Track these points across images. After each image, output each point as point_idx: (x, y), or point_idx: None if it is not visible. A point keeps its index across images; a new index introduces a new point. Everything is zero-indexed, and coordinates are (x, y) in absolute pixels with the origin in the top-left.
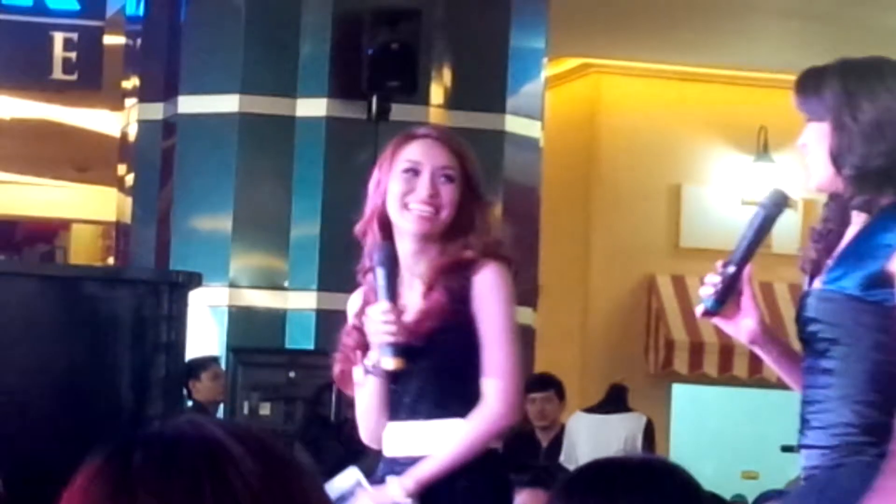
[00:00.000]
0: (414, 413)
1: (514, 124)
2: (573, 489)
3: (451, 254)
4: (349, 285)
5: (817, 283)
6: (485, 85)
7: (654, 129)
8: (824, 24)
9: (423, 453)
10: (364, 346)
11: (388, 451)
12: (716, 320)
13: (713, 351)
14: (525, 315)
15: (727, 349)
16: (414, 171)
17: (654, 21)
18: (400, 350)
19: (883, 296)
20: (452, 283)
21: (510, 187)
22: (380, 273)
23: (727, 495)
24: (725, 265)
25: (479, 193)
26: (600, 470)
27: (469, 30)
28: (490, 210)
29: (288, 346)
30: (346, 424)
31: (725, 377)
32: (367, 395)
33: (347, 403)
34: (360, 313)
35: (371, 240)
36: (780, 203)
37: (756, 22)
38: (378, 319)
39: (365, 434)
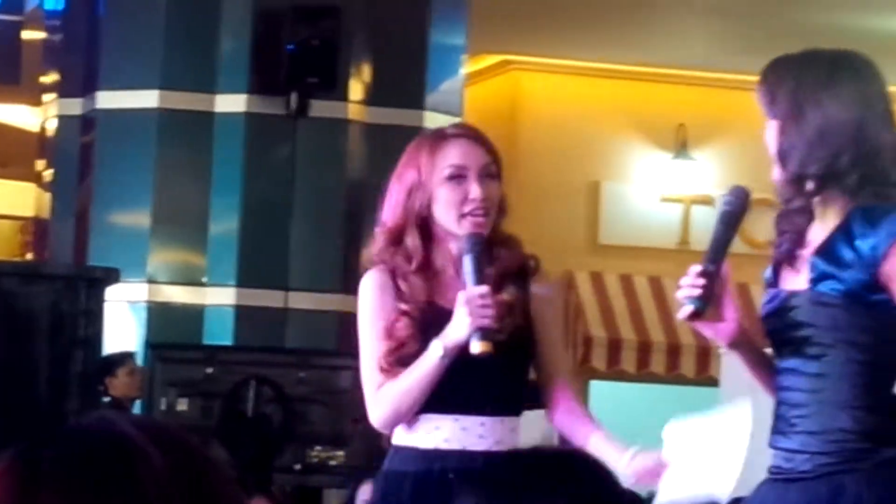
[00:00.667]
0: (482, 407)
1: (433, 121)
2: (488, 478)
3: (518, 260)
4: (267, 281)
5: (802, 283)
6: (404, 81)
7: (574, 126)
8: (744, 21)
9: (494, 448)
10: (417, 331)
11: (451, 444)
12: (697, 323)
13: (631, 347)
14: None
15: (645, 346)
16: (460, 177)
17: (574, 18)
18: (490, 335)
19: (880, 302)
20: (519, 286)
21: None
22: (468, 260)
23: (643, 491)
24: (704, 266)
25: (502, 185)
26: (515, 461)
27: (389, 26)
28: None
29: (206, 341)
30: (264, 420)
31: (643, 373)
32: (426, 378)
33: (265, 399)
34: (402, 299)
35: (412, 242)
36: (743, 199)
37: (676, 19)
38: (477, 302)
39: (395, 418)
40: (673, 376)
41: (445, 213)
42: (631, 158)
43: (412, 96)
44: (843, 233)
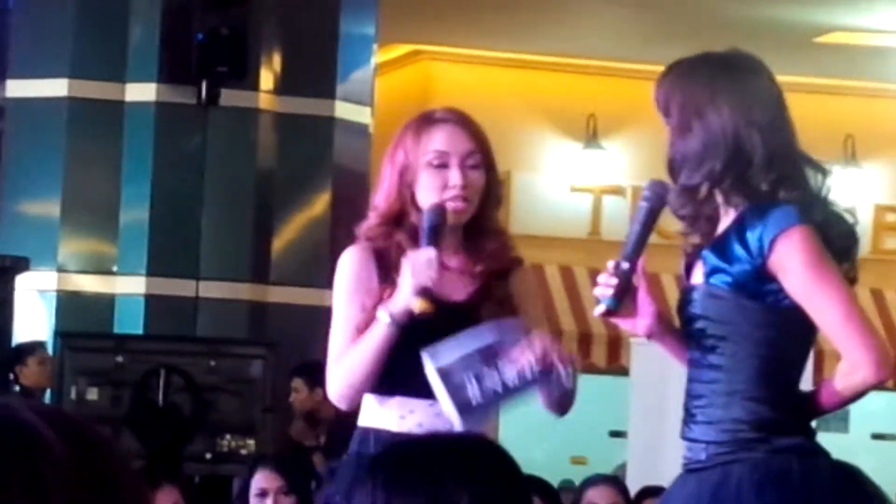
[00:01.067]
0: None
1: (343, 110)
2: (386, 466)
3: (502, 251)
4: (178, 270)
5: (699, 277)
6: (315, 71)
7: (484, 115)
8: (655, 11)
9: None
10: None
11: (424, 429)
12: (614, 318)
13: (571, 339)
14: None
15: (555, 334)
16: (443, 164)
17: (485, 8)
18: (430, 295)
19: (770, 292)
20: (504, 281)
21: (339, 173)
22: (424, 221)
23: (556, 480)
24: (618, 263)
25: (496, 174)
26: (416, 449)
27: (299, 15)
28: (501, 190)
29: (116, 330)
30: (174, 409)
31: (584, 365)
32: (376, 347)
33: (175, 388)
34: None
35: (415, 218)
36: (661, 194)
37: (586, 9)
38: (421, 262)
39: (349, 391)
40: (584, 366)
41: (426, 199)
42: (541, 148)
43: (322, 86)
44: (736, 228)
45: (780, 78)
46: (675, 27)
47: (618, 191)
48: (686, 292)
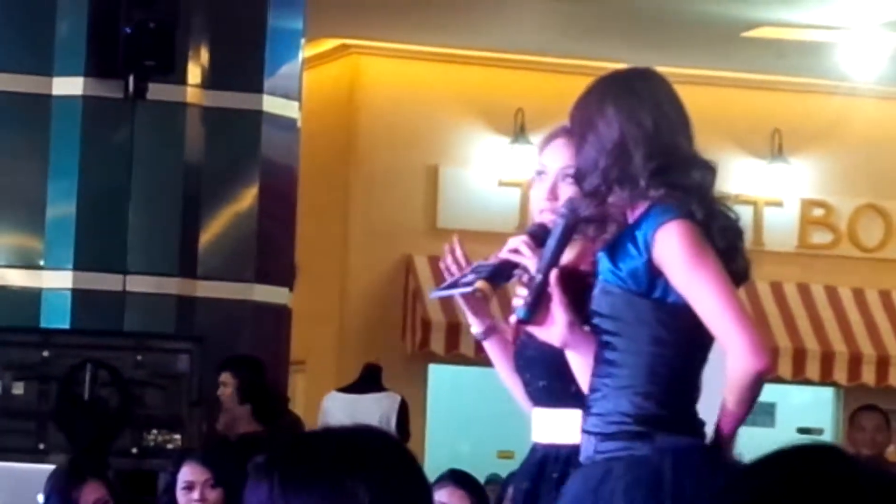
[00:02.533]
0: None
1: (271, 104)
2: (281, 464)
3: (576, 258)
4: (105, 264)
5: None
6: (242, 65)
7: (413, 110)
8: (583, 6)
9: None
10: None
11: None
12: (529, 327)
13: (469, 331)
14: (281, 295)
15: (454, 326)
16: (544, 174)
17: (413, 3)
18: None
19: (657, 289)
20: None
21: (267, 167)
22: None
23: (483, 475)
24: (532, 275)
25: None
26: (311, 444)
27: (227, 9)
28: None
29: (43, 325)
30: (101, 403)
31: (482, 357)
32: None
33: (102, 383)
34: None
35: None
36: (577, 210)
37: (515, 4)
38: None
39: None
40: (482, 357)
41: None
42: (469, 143)
43: (250, 80)
44: (630, 228)
45: (709, 73)
46: (604, 22)
47: None
48: (592, 292)
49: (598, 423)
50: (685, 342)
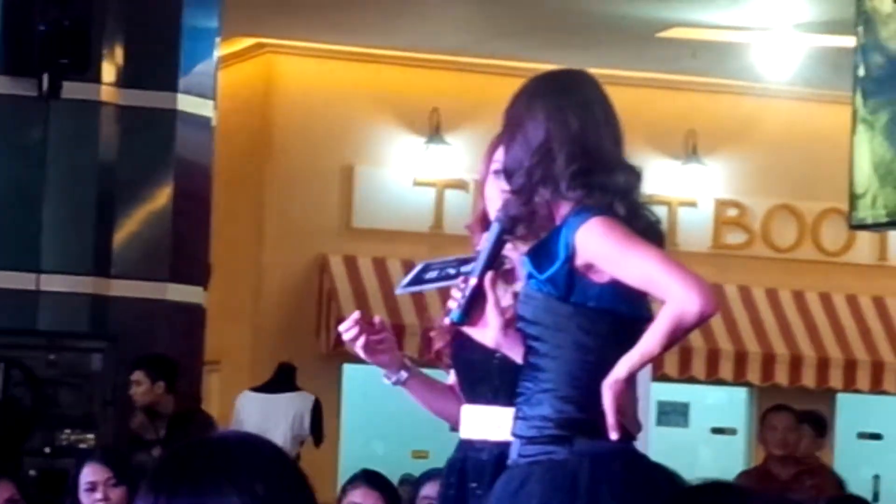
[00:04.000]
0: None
1: (186, 103)
2: (164, 475)
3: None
4: (19, 263)
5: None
6: (157, 63)
7: (328, 109)
8: (498, 6)
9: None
10: None
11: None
12: (464, 328)
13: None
14: (195, 294)
15: (398, 329)
16: (499, 172)
17: (329, 2)
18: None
19: (578, 294)
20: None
21: (182, 166)
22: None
23: (397, 474)
24: (467, 278)
25: None
26: (191, 454)
27: (142, 8)
28: None
29: None
30: (13, 403)
31: None
32: None
33: (15, 382)
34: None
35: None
36: (510, 207)
37: (430, 4)
38: None
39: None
40: (426, 361)
41: (490, 210)
42: (385, 142)
43: (165, 79)
44: (554, 231)
45: (623, 73)
46: (519, 22)
47: (461, 185)
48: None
49: (523, 427)
50: (607, 347)
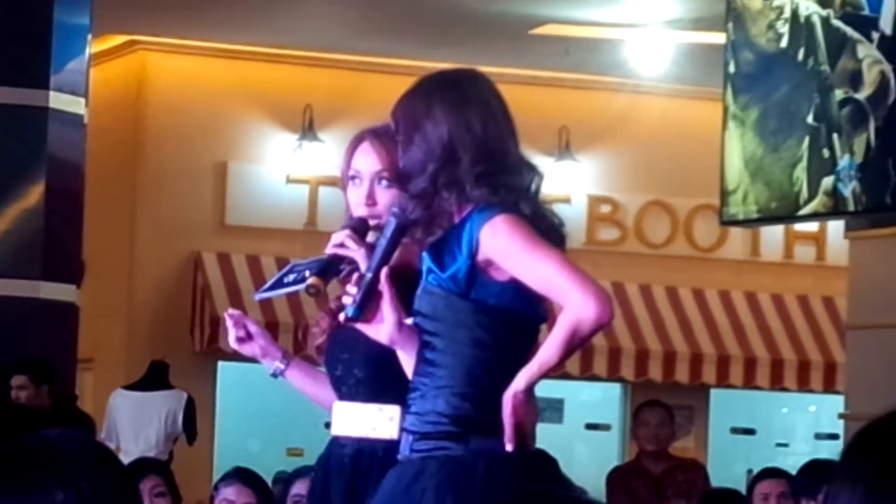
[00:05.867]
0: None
1: (58, 100)
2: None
3: (402, 257)
4: None
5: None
6: (28, 61)
7: (201, 106)
8: (371, 3)
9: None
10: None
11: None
12: (358, 325)
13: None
14: (68, 292)
15: (272, 327)
16: (358, 179)
17: None
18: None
19: (479, 291)
20: (402, 283)
21: (54, 164)
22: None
23: (271, 472)
24: (362, 273)
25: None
26: (18, 452)
27: (12, 4)
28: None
29: None
30: None
31: None
32: None
33: None
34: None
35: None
36: (408, 210)
37: (303, 1)
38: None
39: None
40: (301, 355)
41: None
42: (258, 139)
43: (36, 76)
44: (455, 228)
45: (496, 70)
46: (392, 20)
47: (334, 182)
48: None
49: (416, 422)
50: (505, 345)
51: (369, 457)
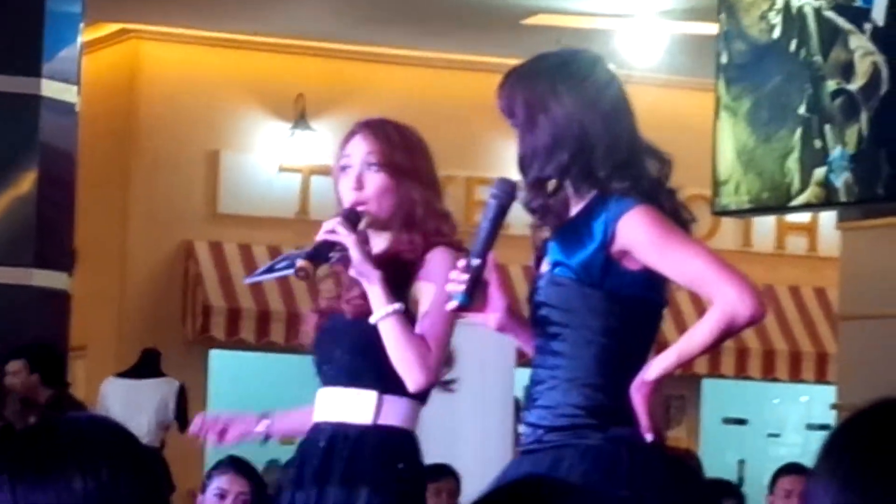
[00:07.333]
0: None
1: (50, 89)
2: (13, 461)
3: (390, 244)
4: None
5: (545, 266)
6: (19, 48)
7: (193, 95)
8: None
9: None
10: None
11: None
12: (467, 313)
13: (250, 317)
14: (60, 280)
15: (264, 315)
16: (349, 167)
17: None
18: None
19: (612, 280)
20: (394, 271)
21: (46, 152)
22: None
23: (264, 459)
24: (469, 259)
25: (417, 179)
26: (40, 439)
27: None
28: (434, 193)
29: None
30: None
31: (263, 343)
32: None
33: None
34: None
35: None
36: (509, 191)
37: None
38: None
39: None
40: (291, 346)
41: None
42: (250, 128)
43: (28, 64)
44: (582, 217)
45: (488, 59)
46: (384, 9)
47: (326, 171)
48: (534, 281)
49: (546, 416)
50: (636, 333)
51: (343, 439)
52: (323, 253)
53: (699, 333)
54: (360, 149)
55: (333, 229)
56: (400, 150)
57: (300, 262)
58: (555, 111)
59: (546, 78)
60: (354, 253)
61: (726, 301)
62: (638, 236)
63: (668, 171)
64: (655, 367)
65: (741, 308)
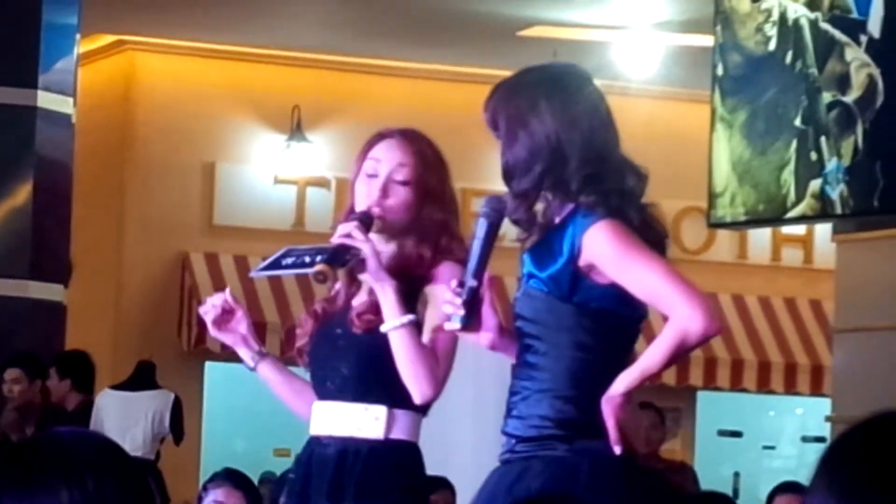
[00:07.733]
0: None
1: (46, 100)
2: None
3: (400, 257)
4: None
5: (523, 278)
6: (16, 60)
7: (190, 106)
8: (360, 4)
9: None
10: None
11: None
12: (462, 333)
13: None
14: (56, 291)
15: (259, 326)
16: (375, 172)
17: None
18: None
19: (581, 294)
20: (401, 283)
21: (42, 163)
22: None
23: (258, 472)
24: (463, 280)
25: (442, 201)
26: (25, 451)
27: (0, 4)
28: (454, 216)
29: None
30: None
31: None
32: None
33: None
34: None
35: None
36: (499, 209)
37: (291, 1)
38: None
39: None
40: (286, 357)
41: (358, 208)
42: (246, 140)
43: (24, 75)
44: (556, 231)
45: (483, 71)
46: (380, 20)
47: (322, 183)
48: (517, 294)
49: (519, 426)
50: (607, 347)
51: (354, 455)
52: (340, 257)
53: (657, 350)
54: (392, 158)
55: (350, 234)
56: (432, 169)
57: (319, 266)
58: (533, 126)
59: (529, 93)
60: (371, 261)
61: (678, 318)
62: (602, 250)
63: (643, 186)
64: (621, 381)
65: (692, 325)
